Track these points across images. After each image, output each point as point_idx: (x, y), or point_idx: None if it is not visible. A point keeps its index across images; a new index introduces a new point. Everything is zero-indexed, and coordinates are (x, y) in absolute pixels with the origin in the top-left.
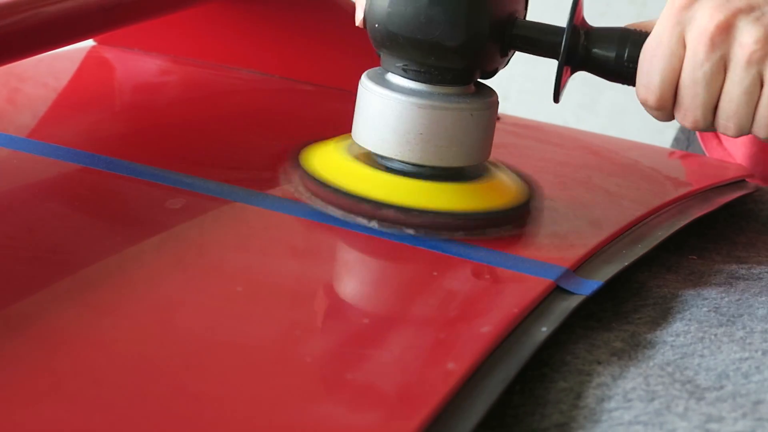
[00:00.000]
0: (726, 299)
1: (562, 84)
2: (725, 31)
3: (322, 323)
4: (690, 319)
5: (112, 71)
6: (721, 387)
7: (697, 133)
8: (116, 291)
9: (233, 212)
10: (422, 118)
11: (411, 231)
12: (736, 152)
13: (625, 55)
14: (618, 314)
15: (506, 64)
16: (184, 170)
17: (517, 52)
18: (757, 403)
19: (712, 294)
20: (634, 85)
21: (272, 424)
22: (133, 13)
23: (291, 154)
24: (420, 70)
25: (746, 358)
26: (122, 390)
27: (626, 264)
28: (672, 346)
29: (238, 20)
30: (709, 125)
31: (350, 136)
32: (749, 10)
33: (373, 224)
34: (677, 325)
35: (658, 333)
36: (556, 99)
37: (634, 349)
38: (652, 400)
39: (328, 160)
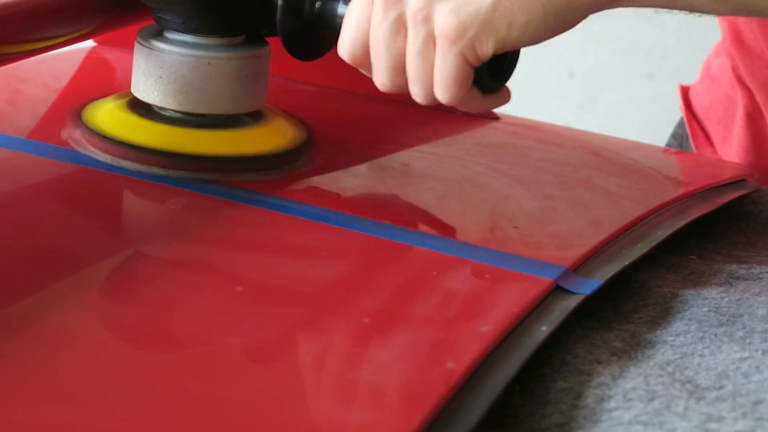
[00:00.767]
0: (726, 299)
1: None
2: None
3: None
4: (690, 319)
5: (112, 71)
6: (721, 387)
7: (690, 140)
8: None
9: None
10: (162, 62)
11: (163, 172)
12: (730, 160)
13: (337, 9)
14: (618, 314)
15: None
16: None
17: (520, 54)
18: (757, 402)
19: (712, 294)
20: None
21: (272, 424)
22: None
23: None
24: (167, 18)
25: (746, 358)
26: (122, 390)
27: (626, 264)
28: (672, 345)
29: None
30: (400, 89)
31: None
32: None
33: (135, 167)
34: (677, 325)
35: (658, 333)
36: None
37: (634, 348)
38: (652, 399)
39: (106, 114)
